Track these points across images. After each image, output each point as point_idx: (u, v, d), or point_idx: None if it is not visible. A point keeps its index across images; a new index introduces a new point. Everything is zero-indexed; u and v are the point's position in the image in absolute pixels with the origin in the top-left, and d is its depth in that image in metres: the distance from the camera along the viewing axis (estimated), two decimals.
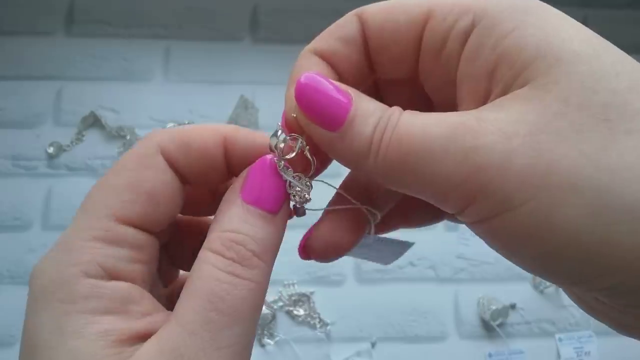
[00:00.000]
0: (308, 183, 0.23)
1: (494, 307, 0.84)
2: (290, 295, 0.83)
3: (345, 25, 0.22)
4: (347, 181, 0.27)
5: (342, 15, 0.23)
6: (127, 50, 0.95)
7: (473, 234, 0.20)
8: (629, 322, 0.19)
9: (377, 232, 0.27)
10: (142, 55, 0.95)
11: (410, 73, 0.23)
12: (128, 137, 0.89)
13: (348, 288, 0.86)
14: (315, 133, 0.21)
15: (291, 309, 0.82)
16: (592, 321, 0.86)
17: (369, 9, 0.22)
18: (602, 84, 0.17)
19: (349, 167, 0.22)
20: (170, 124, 0.91)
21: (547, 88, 0.17)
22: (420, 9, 0.21)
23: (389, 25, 0.21)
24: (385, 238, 0.28)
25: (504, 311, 0.85)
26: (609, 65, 0.17)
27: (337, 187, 0.26)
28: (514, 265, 0.20)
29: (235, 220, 0.21)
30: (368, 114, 0.20)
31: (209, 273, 0.20)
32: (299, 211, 0.24)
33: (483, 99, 0.19)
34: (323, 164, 0.25)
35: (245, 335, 0.20)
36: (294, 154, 0.22)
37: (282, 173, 0.22)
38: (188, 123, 0.91)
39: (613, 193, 0.16)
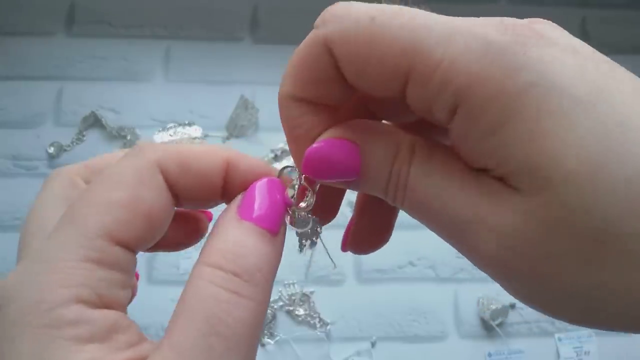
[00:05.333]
0: (318, 228, 0.24)
1: (493, 307, 0.84)
2: (290, 295, 0.83)
3: (317, 65, 0.20)
4: None
5: None
6: (127, 50, 0.95)
7: None
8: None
9: None
10: (142, 55, 0.95)
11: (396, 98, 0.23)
12: (129, 137, 0.89)
13: (348, 288, 0.86)
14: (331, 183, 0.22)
15: (291, 308, 0.82)
16: None
17: (336, 42, 0.19)
18: (593, 212, 0.16)
19: None
20: (171, 124, 0.91)
21: (540, 203, 0.17)
22: (398, 65, 0.18)
23: (366, 78, 0.20)
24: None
25: (504, 311, 0.85)
26: (608, 183, 0.16)
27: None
28: None
29: (234, 236, 0.20)
30: (378, 170, 0.21)
31: (207, 291, 0.19)
32: (310, 243, 0.25)
33: (473, 164, 0.19)
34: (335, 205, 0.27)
35: None
36: (305, 203, 0.23)
37: (294, 219, 0.23)
38: (188, 123, 0.91)
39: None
